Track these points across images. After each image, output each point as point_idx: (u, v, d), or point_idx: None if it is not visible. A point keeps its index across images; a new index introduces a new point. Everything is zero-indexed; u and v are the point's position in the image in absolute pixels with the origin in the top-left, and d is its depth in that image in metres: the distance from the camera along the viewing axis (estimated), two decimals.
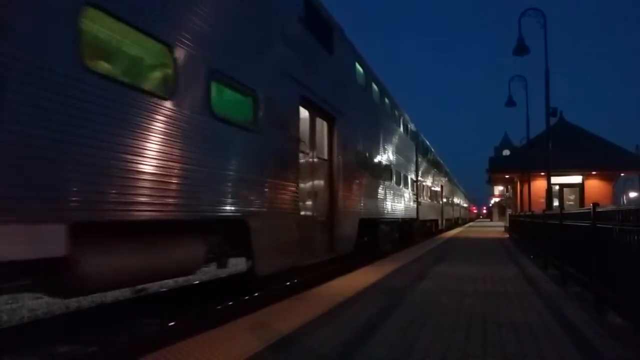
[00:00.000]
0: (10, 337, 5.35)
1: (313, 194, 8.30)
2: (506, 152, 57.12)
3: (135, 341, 5.21)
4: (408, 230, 18.09)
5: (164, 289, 8.77)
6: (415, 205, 19.16)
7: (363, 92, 11.98)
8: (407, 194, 17.64)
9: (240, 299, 7.62)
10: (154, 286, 8.85)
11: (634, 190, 51.11)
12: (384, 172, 13.74)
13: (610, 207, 5.12)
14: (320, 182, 8.69)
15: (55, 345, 5.19)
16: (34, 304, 7.79)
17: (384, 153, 14.00)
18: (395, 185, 15.35)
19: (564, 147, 20.70)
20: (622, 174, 28.33)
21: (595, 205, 5.45)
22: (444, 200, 32.37)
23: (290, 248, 7.03)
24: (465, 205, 67.06)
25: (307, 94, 7.90)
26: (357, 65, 11.53)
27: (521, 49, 14.81)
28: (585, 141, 24.78)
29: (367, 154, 11.89)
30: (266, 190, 6.43)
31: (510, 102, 21.31)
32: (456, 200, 46.00)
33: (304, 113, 8.01)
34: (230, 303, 7.24)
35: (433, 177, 26.54)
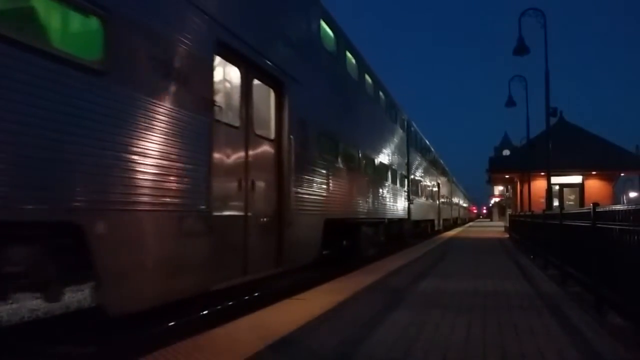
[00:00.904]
0: (10, 337, 5.35)
1: (245, 185, 5.89)
2: (506, 152, 57.09)
3: (135, 341, 5.21)
4: (398, 232, 16.21)
5: None
6: (406, 204, 17.29)
7: (332, 61, 9.53)
8: (396, 191, 15.68)
9: (240, 299, 7.61)
10: None
11: (634, 190, 51.15)
12: (364, 164, 11.55)
13: (610, 207, 5.12)
14: (259, 170, 6.30)
15: (55, 345, 5.19)
16: (34, 304, 7.78)
17: (364, 141, 11.72)
18: (379, 180, 13.31)
19: (564, 147, 20.69)
20: (622, 174, 28.34)
21: (595, 205, 5.45)
22: (442, 199, 30.63)
23: (188, 265, 4.74)
24: (464, 205, 67.02)
25: (232, 41, 5.65)
26: (324, 25, 9.06)
27: (521, 49, 14.82)
28: (585, 141, 24.77)
29: (339, 139, 9.55)
30: (131, 172, 4.03)
31: (510, 102, 21.33)
32: (455, 199, 44.98)
33: (228, 69, 6.02)
34: (230, 303, 7.23)
35: (428, 173, 24.74)
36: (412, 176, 18.69)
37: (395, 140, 16.18)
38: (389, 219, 14.34)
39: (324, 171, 8.59)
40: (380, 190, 13.38)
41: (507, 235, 22.30)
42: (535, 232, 11.28)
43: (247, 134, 6.08)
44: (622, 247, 4.31)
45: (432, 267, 9.28)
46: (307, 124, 7.73)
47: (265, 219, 6.45)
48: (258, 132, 6.36)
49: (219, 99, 5.52)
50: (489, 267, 9.31)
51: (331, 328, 4.22)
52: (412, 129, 19.75)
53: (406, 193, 17.43)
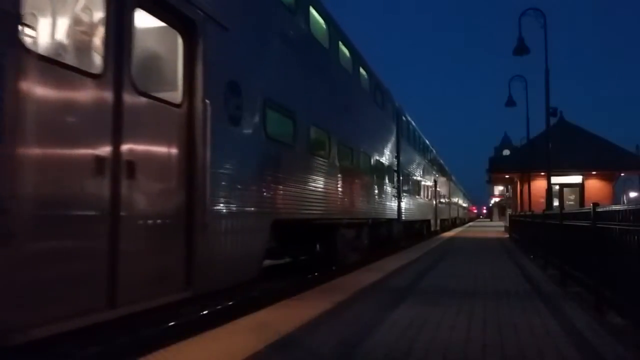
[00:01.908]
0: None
1: (113, 168, 3.88)
2: (506, 152, 57.07)
3: (135, 341, 5.21)
4: (386, 234, 14.52)
5: None
6: (395, 203, 15.42)
7: (287, 13, 7.68)
8: (384, 187, 13.79)
9: (240, 298, 7.61)
10: None
11: (634, 190, 51.16)
12: (337, 153, 9.49)
13: (610, 207, 5.12)
14: (146, 146, 4.33)
15: (56, 345, 5.19)
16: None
17: (338, 124, 9.78)
18: (360, 173, 11.33)
19: (564, 147, 20.70)
20: (622, 174, 28.34)
21: (595, 205, 5.45)
22: (439, 197, 28.91)
23: None
24: (464, 204, 66.95)
25: None
26: None
27: (521, 49, 14.84)
28: (585, 141, 24.77)
29: (298, 116, 7.52)
30: None
31: (510, 102, 21.36)
32: (454, 198, 43.94)
33: None
34: (230, 303, 7.23)
35: (423, 169, 22.70)
36: (403, 172, 16.79)
37: (382, 129, 14.42)
38: (373, 219, 12.53)
39: (272, 157, 6.63)
40: (362, 185, 11.42)
41: (507, 235, 22.31)
42: (535, 232, 11.28)
43: (118, 88, 3.95)
44: (622, 247, 4.31)
45: (425, 272, 9.25)
46: (241, 89, 5.74)
47: (158, 221, 4.38)
48: (144, 89, 4.24)
49: (45, 22, 3.84)
50: (489, 268, 9.30)
51: (331, 328, 4.23)
52: (404, 119, 17.78)
53: (396, 190, 15.61)
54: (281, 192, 6.87)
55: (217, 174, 5.17)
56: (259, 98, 6.29)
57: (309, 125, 8.00)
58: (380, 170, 13.59)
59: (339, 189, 9.66)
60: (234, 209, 5.58)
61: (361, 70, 11.92)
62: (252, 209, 6.02)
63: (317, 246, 9.45)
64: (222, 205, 5.33)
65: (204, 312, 6.76)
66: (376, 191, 12.87)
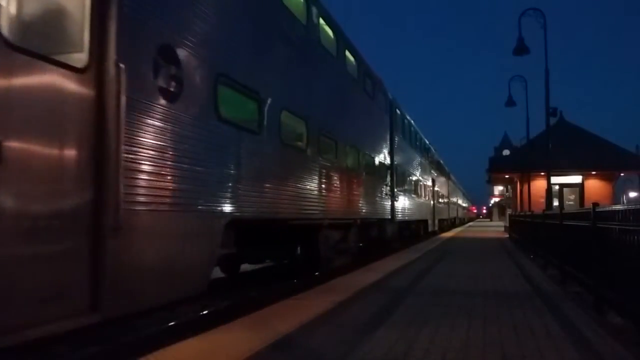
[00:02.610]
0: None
1: None
2: (506, 152, 57.11)
3: (135, 341, 5.21)
4: (378, 235, 13.58)
5: None
6: (389, 202, 14.45)
7: None
8: (375, 185, 12.72)
9: (240, 298, 7.61)
10: None
11: (634, 190, 51.14)
12: (317, 143, 8.42)
13: (610, 207, 5.12)
14: (35, 125, 3.34)
15: (56, 345, 5.19)
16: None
17: (319, 111, 8.63)
18: (346, 168, 10.20)
19: (564, 147, 20.71)
20: (622, 174, 28.34)
21: (595, 205, 5.45)
22: (437, 197, 27.95)
23: None
24: (464, 204, 66.93)
25: None
26: None
27: (521, 49, 14.84)
28: (585, 141, 24.78)
29: (260, 97, 6.35)
30: None
31: (510, 102, 21.37)
32: (453, 198, 43.29)
33: None
34: (230, 303, 7.23)
35: (420, 167, 21.65)
36: (397, 169, 15.73)
37: (373, 121, 13.26)
38: (362, 219, 11.41)
39: (226, 145, 5.55)
40: (348, 182, 10.26)
41: (507, 235, 22.32)
42: (535, 232, 11.28)
43: None
44: (622, 247, 4.31)
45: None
46: (179, 57, 4.68)
47: (45, 223, 3.32)
48: (25, 44, 3.26)
49: None
50: (489, 268, 9.30)
51: (331, 328, 4.21)
52: (399, 111, 16.64)
53: (389, 188, 14.60)
54: (241, 187, 5.75)
55: (138, 162, 4.09)
56: (209, 71, 5.19)
57: (278, 108, 6.87)
58: (371, 166, 12.48)
59: (320, 186, 8.52)
60: (165, 207, 4.43)
61: (347, 52, 10.64)
62: (195, 206, 4.88)
63: (298, 250, 8.73)
64: (144, 202, 4.18)
65: (204, 312, 6.76)
66: (366, 189, 11.69)
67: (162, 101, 4.39)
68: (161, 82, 4.39)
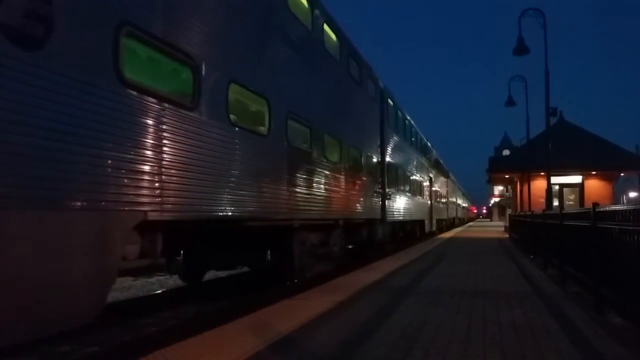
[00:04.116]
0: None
1: None
2: (506, 152, 57.09)
3: (135, 341, 5.21)
4: (367, 238, 12.61)
5: (164, 289, 8.77)
6: (379, 200, 13.33)
7: None
8: (362, 181, 11.57)
9: (240, 298, 7.61)
10: (153, 286, 8.84)
11: (634, 190, 51.12)
12: (285, 132, 7.27)
13: (610, 207, 5.12)
14: None
15: (56, 345, 5.19)
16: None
17: (286, 91, 7.42)
18: (324, 162, 8.96)
19: (564, 147, 20.69)
20: (622, 174, 28.34)
21: (595, 205, 5.45)
22: (436, 196, 26.90)
23: None
24: (464, 204, 66.85)
25: None
26: None
27: (521, 49, 14.83)
28: (585, 141, 24.76)
29: (200, 65, 5.16)
30: None
31: (510, 102, 21.36)
32: (453, 198, 42.57)
33: None
34: (230, 303, 7.24)
35: (416, 165, 20.40)
36: (389, 165, 14.64)
37: (360, 110, 11.96)
38: (347, 219, 10.32)
39: (139, 121, 4.25)
40: (327, 178, 9.09)
41: (507, 236, 22.31)
42: (535, 232, 11.28)
43: None
44: (622, 247, 4.31)
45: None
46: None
47: None
48: None
49: None
50: (489, 268, 9.30)
51: (331, 328, 4.21)
52: (391, 103, 15.28)
53: (379, 186, 13.44)
54: (162, 178, 4.48)
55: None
56: (106, 11, 3.85)
57: (224, 79, 5.63)
58: (356, 161, 11.24)
59: (289, 181, 7.36)
60: (17, 204, 3.16)
61: (326, 27, 9.30)
62: (68, 202, 3.56)
63: (268, 255, 7.82)
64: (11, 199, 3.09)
65: (204, 312, 6.77)
66: (350, 186, 10.46)
67: (20, 47, 3.21)
68: (16, 19, 3.20)
